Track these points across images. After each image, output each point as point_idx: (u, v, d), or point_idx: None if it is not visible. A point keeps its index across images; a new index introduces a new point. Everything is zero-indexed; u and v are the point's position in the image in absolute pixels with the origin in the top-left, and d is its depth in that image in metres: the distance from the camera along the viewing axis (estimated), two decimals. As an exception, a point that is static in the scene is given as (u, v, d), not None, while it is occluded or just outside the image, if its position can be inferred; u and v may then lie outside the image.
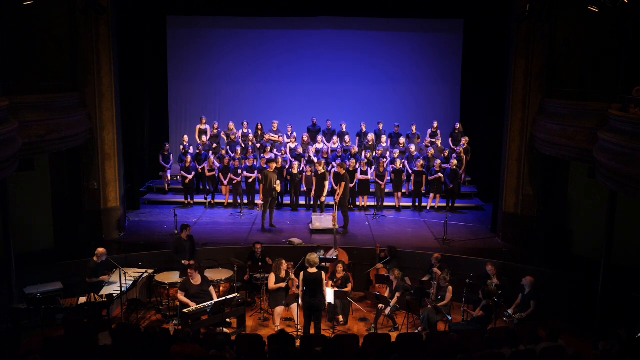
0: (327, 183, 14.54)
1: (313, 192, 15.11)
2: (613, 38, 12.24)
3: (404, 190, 15.96)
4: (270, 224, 14.14)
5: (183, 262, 11.48)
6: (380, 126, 16.93)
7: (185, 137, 16.71)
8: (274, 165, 14.08)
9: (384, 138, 16.48)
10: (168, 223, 14.50)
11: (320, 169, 14.56)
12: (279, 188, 14.11)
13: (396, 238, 13.43)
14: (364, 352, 8.35)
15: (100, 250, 11.04)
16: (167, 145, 16.57)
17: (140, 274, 11.34)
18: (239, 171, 15.44)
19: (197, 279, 10.52)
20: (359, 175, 15.22)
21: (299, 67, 18.20)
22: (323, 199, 14.74)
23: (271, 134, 16.55)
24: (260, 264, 11.74)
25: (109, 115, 13.35)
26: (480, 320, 10.14)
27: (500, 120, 14.12)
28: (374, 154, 16.12)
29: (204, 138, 16.49)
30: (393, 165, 15.76)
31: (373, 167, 15.74)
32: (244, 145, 16.38)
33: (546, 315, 10.52)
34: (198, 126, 16.94)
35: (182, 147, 16.38)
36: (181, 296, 10.36)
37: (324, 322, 10.49)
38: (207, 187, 16.01)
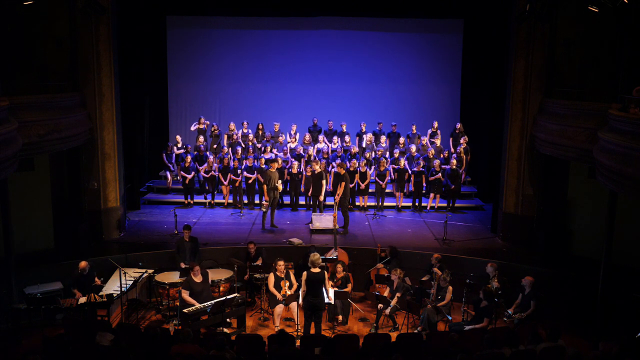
0: (324, 182, 14.55)
1: (310, 192, 15.11)
2: (613, 38, 12.24)
3: (404, 191, 15.97)
4: (272, 224, 14.14)
5: (181, 264, 11.54)
6: (380, 126, 16.94)
7: (178, 137, 16.75)
8: (275, 165, 14.09)
9: (383, 138, 16.48)
10: (168, 223, 14.50)
11: (317, 168, 14.56)
12: (280, 187, 14.13)
13: (396, 238, 13.43)
14: (364, 352, 8.36)
15: (82, 264, 10.85)
16: (170, 145, 16.59)
17: (140, 274, 11.35)
18: (239, 171, 15.45)
19: (199, 277, 10.54)
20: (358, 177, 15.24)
21: (299, 67, 18.21)
22: (322, 197, 14.74)
23: (279, 137, 16.60)
24: (253, 263, 11.77)
25: (109, 115, 13.35)
26: (480, 322, 10.13)
27: (500, 120, 14.13)
28: (374, 154, 16.14)
29: (201, 139, 16.49)
30: (395, 165, 15.79)
31: (373, 167, 15.75)
32: (244, 146, 16.40)
33: (546, 315, 10.53)
34: (196, 125, 16.97)
35: (176, 147, 16.43)
36: (185, 295, 10.35)
37: (324, 322, 10.49)
38: (207, 187, 16.02)
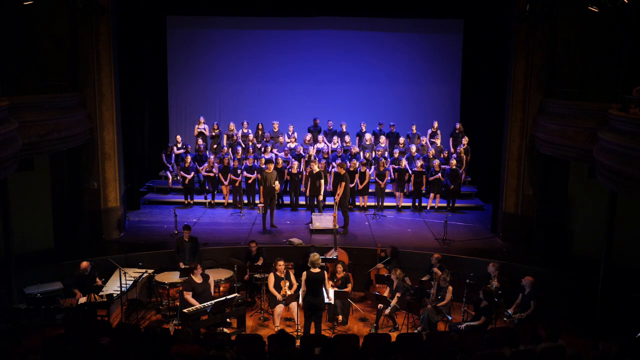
0: (322, 182, 14.52)
1: (308, 192, 15.09)
2: (613, 38, 12.24)
3: (404, 191, 15.97)
4: (271, 224, 14.14)
5: (181, 265, 11.52)
6: (380, 127, 16.95)
7: (179, 137, 16.77)
8: (271, 166, 14.06)
9: (383, 138, 16.48)
10: (168, 223, 14.50)
11: (315, 168, 14.54)
12: (277, 188, 14.11)
13: (396, 238, 13.43)
14: (364, 352, 8.36)
15: (84, 264, 10.85)
16: (170, 145, 16.59)
17: (140, 274, 11.35)
18: (239, 171, 15.45)
19: (199, 277, 10.54)
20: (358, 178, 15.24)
21: (299, 67, 18.20)
22: (321, 197, 14.72)
23: (280, 137, 16.61)
24: (255, 263, 11.77)
25: (109, 115, 13.35)
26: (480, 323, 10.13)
27: (500, 120, 14.13)
28: (374, 154, 16.13)
29: (200, 140, 16.49)
30: (395, 165, 15.79)
31: (373, 167, 15.75)
32: (244, 146, 16.40)
33: (546, 315, 10.53)
34: (196, 126, 16.97)
35: (175, 147, 16.44)
36: (188, 296, 10.32)
37: (324, 322, 10.49)
38: (207, 187, 16.03)
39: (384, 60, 18.18)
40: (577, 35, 12.83)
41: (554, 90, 12.88)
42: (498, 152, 14.19)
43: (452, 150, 16.50)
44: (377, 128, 16.97)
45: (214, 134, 16.96)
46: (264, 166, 14.50)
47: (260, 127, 16.96)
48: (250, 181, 15.39)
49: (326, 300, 10.13)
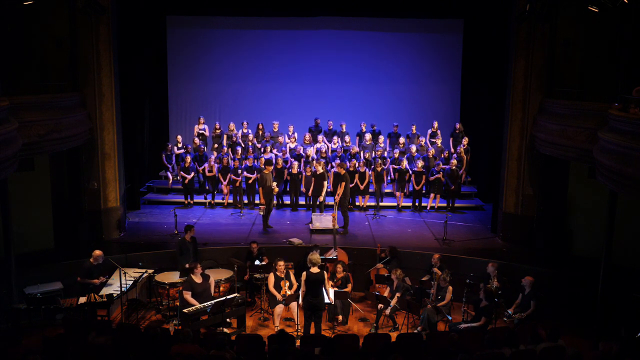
0: (325, 183, 14.53)
1: (311, 192, 15.09)
2: (613, 38, 12.24)
3: (404, 191, 15.97)
4: (267, 225, 14.08)
5: (187, 265, 11.48)
6: (373, 128, 16.93)
7: (179, 137, 16.77)
8: (270, 168, 14.03)
9: (381, 138, 16.48)
10: (168, 223, 14.50)
11: (320, 169, 14.55)
12: (276, 190, 14.09)
13: (396, 238, 13.43)
14: (364, 352, 8.36)
15: (97, 252, 10.92)
16: (170, 145, 16.59)
17: (140, 274, 11.35)
18: (239, 171, 15.45)
19: (199, 277, 10.53)
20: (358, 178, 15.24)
21: (299, 67, 18.20)
22: (322, 198, 14.73)
23: (280, 137, 16.61)
24: (257, 263, 11.76)
25: (109, 115, 13.35)
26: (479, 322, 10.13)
27: (500, 120, 14.13)
28: (374, 154, 16.14)
29: (197, 140, 16.47)
30: (395, 165, 15.78)
31: (372, 167, 15.75)
32: (244, 146, 16.41)
33: (546, 315, 10.53)
34: (196, 126, 16.97)
35: (176, 147, 16.44)
36: (188, 296, 10.31)
37: (324, 322, 10.49)
38: (207, 187, 16.03)
39: (384, 60, 18.18)
40: (577, 35, 12.84)
41: (554, 90, 12.88)
42: (498, 152, 14.19)
43: (452, 150, 16.50)
44: (370, 129, 16.95)
45: (215, 134, 16.95)
46: (263, 167, 14.51)
47: (260, 127, 16.96)
48: (250, 181, 15.39)
49: (326, 300, 10.13)
